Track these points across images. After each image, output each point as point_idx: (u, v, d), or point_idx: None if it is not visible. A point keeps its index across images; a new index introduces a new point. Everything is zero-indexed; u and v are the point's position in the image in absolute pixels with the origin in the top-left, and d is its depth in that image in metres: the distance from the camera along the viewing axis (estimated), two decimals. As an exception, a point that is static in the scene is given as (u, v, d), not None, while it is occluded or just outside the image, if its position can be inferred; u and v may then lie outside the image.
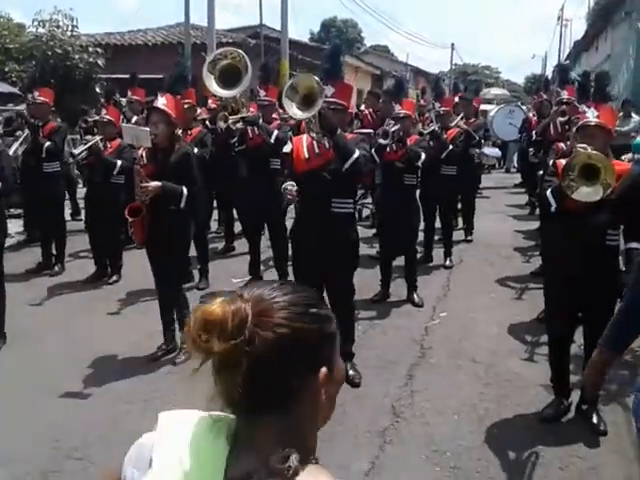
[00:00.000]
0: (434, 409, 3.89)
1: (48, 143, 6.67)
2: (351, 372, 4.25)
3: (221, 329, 0.93)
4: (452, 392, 4.11)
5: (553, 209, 3.59)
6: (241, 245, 7.58)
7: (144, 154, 4.33)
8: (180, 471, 0.95)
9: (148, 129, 4.24)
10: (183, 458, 0.96)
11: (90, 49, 15.31)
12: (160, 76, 10.01)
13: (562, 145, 4.53)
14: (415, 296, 5.82)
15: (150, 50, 17.51)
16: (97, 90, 11.02)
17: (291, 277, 5.66)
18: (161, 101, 4.30)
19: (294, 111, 3.80)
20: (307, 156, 4.06)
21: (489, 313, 5.55)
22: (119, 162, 6.14)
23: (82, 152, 6.15)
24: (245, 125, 5.71)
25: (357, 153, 3.90)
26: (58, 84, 12.68)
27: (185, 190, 4.30)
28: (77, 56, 14.99)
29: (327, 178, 4.01)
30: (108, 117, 6.44)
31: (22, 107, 9.45)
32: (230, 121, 5.49)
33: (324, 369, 0.99)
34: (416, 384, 4.21)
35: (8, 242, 6.21)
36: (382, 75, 29.80)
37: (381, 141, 5.23)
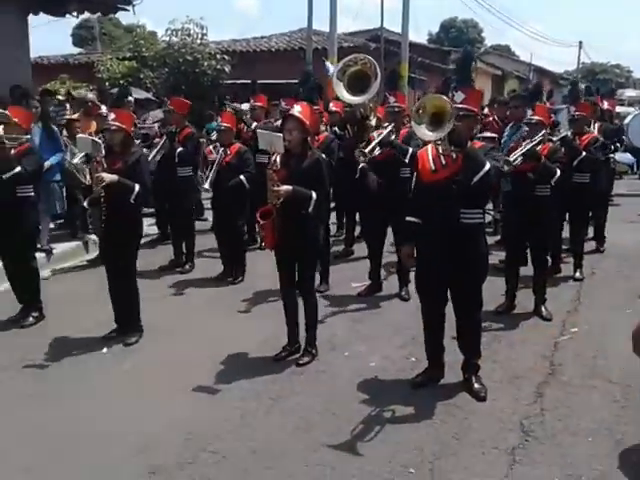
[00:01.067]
0: (566, 430, 3.70)
1: (180, 149, 7.06)
2: (476, 386, 4.15)
3: None
4: (585, 413, 3.90)
5: None
6: (360, 249, 7.63)
7: (278, 159, 4.46)
8: None
9: (281, 135, 4.37)
10: None
11: (218, 56, 16.04)
12: (280, 81, 10.28)
13: None
14: (543, 309, 5.58)
15: (272, 56, 18.06)
16: (216, 99, 11.44)
17: (413, 285, 5.63)
18: (297, 109, 4.41)
19: (423, 132, 3.76)
20: (433, 168, 4.00)
21: (625, 330, 5.15)
22: (243, 179, 6.50)
23: (211, 179, 6.59)
24: (382, 148, 5.70)
25: (487, 166, 3.79)
26: (188, 90, 13.43)
27: (314, 195, 4.39)
28: (206, 63, 15.77)
29: (455, 189, 3.93)
30: (225, 124, 6.73)
31: (157, 112, 10.08)
32: (368, 151, 5.50)
33: None
34: (546, 402, 4.03)
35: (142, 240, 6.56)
36: (503, 76, 28.90)
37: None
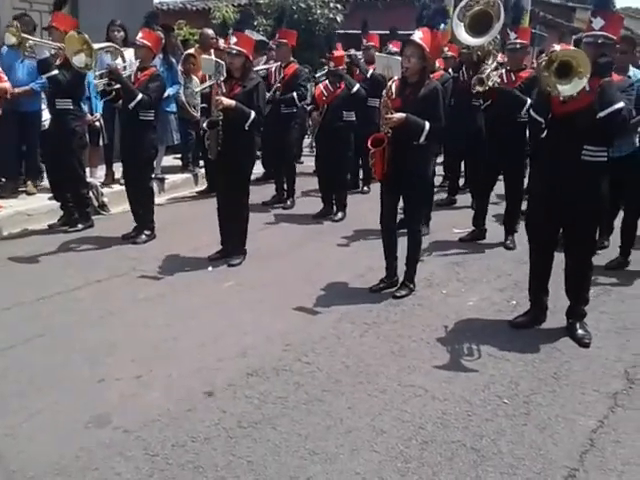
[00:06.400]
0: (676, 383, 3.50)
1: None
2: (580, 332, 3.98)
3: None
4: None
5: None
6: (463, 200, 7.46)
7: (393, 87, 4.37)
8: None
9: (400, 59, 4.26)
10: None
11: (331, 5, 15.90)
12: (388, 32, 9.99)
13: None
14: (660, 267, 5.25)
15: (386, 5, 17.62)
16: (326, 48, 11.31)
17: (520, 234, 5.45)
18: (417, 35, 4.27)
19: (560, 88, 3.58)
20: (562, 99, 3.77)
21: None
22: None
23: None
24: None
25: (619, 104, 3.54)
26: (300, 38, 13.43)
27: (427, 125, 4.28)
28: (319, 11, 15.69)
29: (580, 123, 3.71)
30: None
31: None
32: (490, 83, 5.14)
33: None
34: (656, 354, 3.83)
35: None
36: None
37: None
